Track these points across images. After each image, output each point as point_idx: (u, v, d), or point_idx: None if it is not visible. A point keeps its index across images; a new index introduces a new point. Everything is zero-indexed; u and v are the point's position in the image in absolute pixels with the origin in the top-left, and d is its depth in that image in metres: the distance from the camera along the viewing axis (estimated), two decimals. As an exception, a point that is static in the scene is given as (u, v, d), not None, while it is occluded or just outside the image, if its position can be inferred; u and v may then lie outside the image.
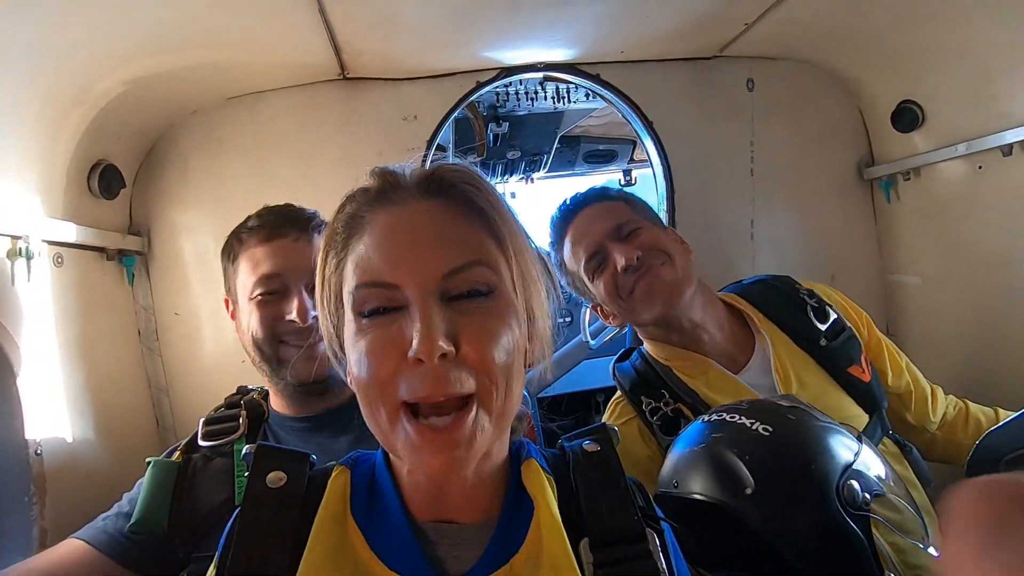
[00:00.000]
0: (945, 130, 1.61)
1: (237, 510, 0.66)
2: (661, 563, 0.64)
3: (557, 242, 1.36)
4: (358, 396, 0.62)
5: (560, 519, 0.64)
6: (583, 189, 1.40)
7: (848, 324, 1.29)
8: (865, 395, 1.22)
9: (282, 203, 1.20)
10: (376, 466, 0.71)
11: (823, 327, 1.26)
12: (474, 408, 0.58)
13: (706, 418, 0.99)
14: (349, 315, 0.62)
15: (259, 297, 1.11)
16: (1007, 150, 1.43)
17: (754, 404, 0.98)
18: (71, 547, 1.02)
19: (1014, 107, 1.41)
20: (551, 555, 0.61)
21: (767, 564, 0.88)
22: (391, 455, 0.70)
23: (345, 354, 0.65)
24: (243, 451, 0.71)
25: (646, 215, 1.34)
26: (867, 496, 0.84)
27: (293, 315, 1.08)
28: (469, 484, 0.65)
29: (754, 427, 0.90)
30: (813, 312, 1.28)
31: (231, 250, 1.17)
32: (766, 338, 1.26)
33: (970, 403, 1.35)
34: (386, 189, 0.65)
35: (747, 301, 1.34)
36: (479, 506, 0.66)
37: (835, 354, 1.24)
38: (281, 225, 1.13)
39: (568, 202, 1.38)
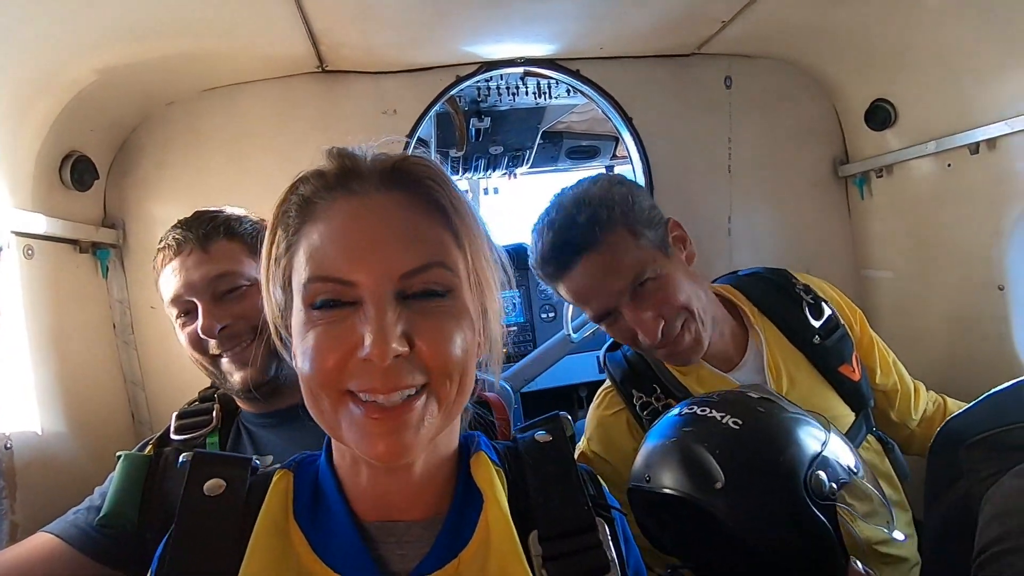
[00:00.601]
0: (916, 128, 1.64)
1: (173, 524, 0.63)
2: (611, 552, 0.65)
3: (549, 280, 1.21)
4: (301, 386, 0.61)
5: (509, 512, 0.64)
6: (567, 200, 1.17)
7: (842, 322, 1.28)
8: (853, 394, 1.22)
9: (208, 208, 1.19)
10: (320, 468, 0.69)
11: (817, 324, 1.25)
12: (424, 396, 0.58)
13: (677, 411, 1.00)
14: (298, 304, 0.60)
15: (178, 320, 1.13)
16: (974, 148, 1.46)
17: (724, 396, 0.99)
18: (41, 541, 1.00)
19: (981, 107, 1.44)
20: (499, 549, 0.61)
21: (738, 555, 0.90)
22: (335, 452, 0.69)
23: (292, 337, 0.64)
24: (180, 460, 0.69)
25: (649, 236, 1.16)
26: (834, 486, 0.85)
27: (200, 334, 1.08)
28: (416, 480, 0.65)
29: (724, 420, 0.91)
30: (809, 308, 1.27)
31: (155, 279, 1.17)
32: (760, 335, 1.25)
33: (948, 399, 1.37)
34: (345, 175, 0.62)
35: (743, 294, 1.32)
36: (426, 502, 0.66)
37: (828, 352, 1.23)
38: (176, 244, 1.12)
39: (558, 230, 1.14)
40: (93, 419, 1.43)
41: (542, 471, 0.69)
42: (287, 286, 0.63)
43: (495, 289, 0.67)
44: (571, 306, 2.10)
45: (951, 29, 1.44)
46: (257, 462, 0.70)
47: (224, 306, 1.09)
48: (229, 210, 1.20)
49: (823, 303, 1.29)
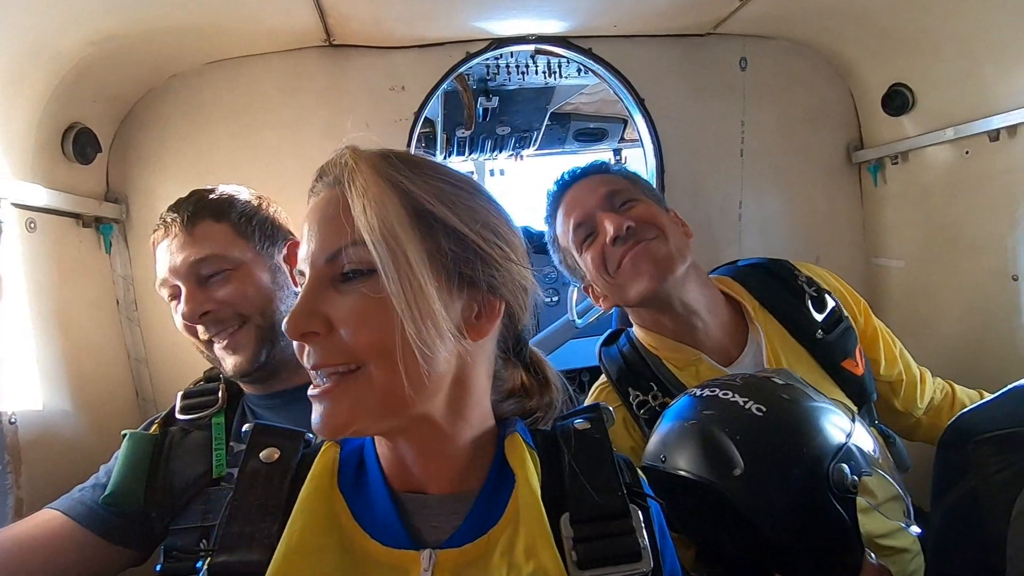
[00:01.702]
0: (934, 114, 1.61)
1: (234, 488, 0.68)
2: (643, 540, 0.65)
3: (551, 216, 1.31)
4: None
5: (539, 493, 0.65)
6: (583, 163, 1.34)
7: (845, 314, 1.26)
8: (856, 389, 1.21)
9: (203, 188, 1.17)
10: (366, 441, 0.73)
11: (820, 318, 1.22)
12: (356, 376, 0.61)
13: (697, 392, 0.97)
14: None
15: (172, 303, 1.12)
16: (994, 135, 1.43)
17: (748, 381, 0.96)
18: (47, 517, 1.00)
19: (1002, 93, 1.40)
20: (528, 528, 0.63)
21: (752, 540, 0.89)
22: None
23: None
24: (243, 429, 0.73)
25: (648, 192, 1.28)
26: (855, 478, 0.83)
27: (183, 319, 1.08)
28: (438, 456, 0.68)
29: (747, 406, 0.88)
30: (812, 302, 1.24)
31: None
32: (759, 330, 1.22)
33: (956, 386, 1.35)
34: (315, 182, 0.69)
35: (742, 287, 1.29)
36: (452, 478, 0.68)
37: (831, 347, 1.21)
38: (164, 225, 1.11)
39: (566, 175, 1.32)
40: (97, 396, 1.42)
41: (578, 457, 0.71)
42: None
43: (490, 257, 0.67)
44: (575, 289, 2.09)
45: (973, 12, 1.40)
46: (311, 435, 0.73)
47: (207, 291, 1.07)
48: (223, 188, 1.17)
49: (826, 295, 1.26)
